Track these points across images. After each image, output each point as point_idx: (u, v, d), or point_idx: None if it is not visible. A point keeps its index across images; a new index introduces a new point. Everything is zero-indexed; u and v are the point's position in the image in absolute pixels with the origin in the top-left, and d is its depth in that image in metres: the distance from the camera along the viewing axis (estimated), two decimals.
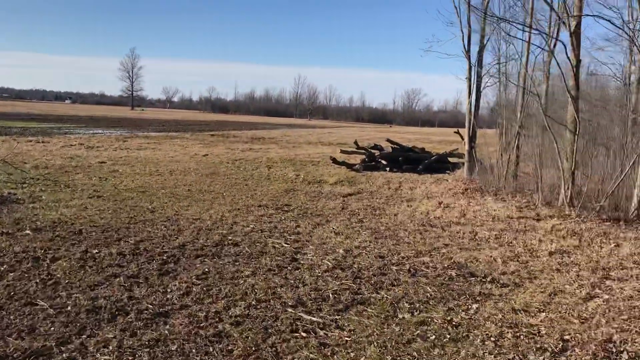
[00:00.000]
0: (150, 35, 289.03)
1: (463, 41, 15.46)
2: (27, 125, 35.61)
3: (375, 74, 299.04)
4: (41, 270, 5.68)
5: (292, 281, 5.86)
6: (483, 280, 6.21)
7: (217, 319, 4.64)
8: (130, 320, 4.51)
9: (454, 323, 4.82)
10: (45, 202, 9.49)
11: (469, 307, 5.28)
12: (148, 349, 4.00)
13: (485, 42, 15.62)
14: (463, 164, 17.35)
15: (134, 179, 13.31)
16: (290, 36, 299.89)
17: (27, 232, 7.26)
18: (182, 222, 8.59)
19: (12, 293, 4.94)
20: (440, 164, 19.46)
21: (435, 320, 4.86)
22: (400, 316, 4.93)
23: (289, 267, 6.41)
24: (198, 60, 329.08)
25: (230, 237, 7.72)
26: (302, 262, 6.70)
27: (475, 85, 15.91)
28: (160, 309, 4.79)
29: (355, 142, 21.01)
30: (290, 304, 5.13)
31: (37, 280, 5.34)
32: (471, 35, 15.48)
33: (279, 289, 5.54)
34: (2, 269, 5.64)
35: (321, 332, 4.49)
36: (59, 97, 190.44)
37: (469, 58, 15.66)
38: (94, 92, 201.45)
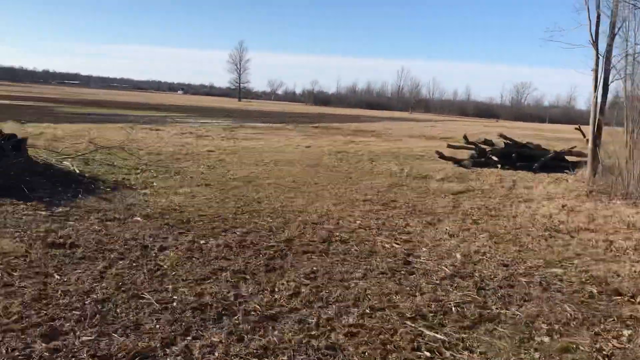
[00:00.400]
0: (257, 28, 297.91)
1: (590, 30, 14.09)
2: (144, 114, 37.54)
3: (481, 67, 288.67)
4: (149, 260, 5.56)
5: (408, 288, 5.32)
6: (631, 300, 5.33)
7: (329, 328, 4.21)
8: (237, 322, 4.19)
9: (604, 353, 4.07)
10: (155, 188, 9.60)
11: (620, 333, 4.48)
12: (256, 359, 3.65)
13: (617, 30, 14.10)
14: (585, 163, 15.89)
15: (241, 168, 13.32)
16: (394, 29, 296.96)
17: (138, 218, 7.26)
18: (288, 214, 8.31)
19: (120, 283, 4.80)
20: (557, 162, 17.98)
21: (582, 348, 4.13)
22: (538, 339, 4.25)
23: (402, 271, 5.88)
24: (302, 54, 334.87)
25: (337, 234, 7.32)
26: (415, 265, 6.15)
27: (602, 78, 14.46)
28: (268, 311, 4.44)
29: (465, 137, 19.93)
30: (408, 315, 4.60)
31: (145, 271, 5.20)
32: (600, 22, 14.08)
33: (394, 297, 5.03)
34: (112, 256, 5.58)
35: (447, 353, 3.92)
36: (172, 88, 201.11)
37: (596, 48, 14.23)
38: (204, 84, 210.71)
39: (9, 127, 14.51)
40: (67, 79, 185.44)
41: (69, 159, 11.37)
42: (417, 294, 5.17)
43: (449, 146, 20.08)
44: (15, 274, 4.78)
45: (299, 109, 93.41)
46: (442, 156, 18.20)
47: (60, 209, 7.31)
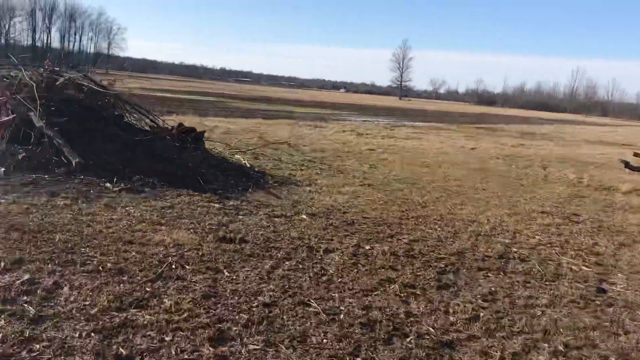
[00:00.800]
0: (422, 27, 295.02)
1: None
2: (308, 111, 38.78)
3: None
4: (314, 263, 5.35)
5: (608, 323, 4.51)
6: None
7: None
8: (409, 345, 3.77)
9: None
10: (319, 186, 9.53)
11: None
12: None
13: None
14: None
15: (403, 169, 12.90)
16: (568, 26, 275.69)
17: (303, 216, 7.17)
18: (457, 223, 7.71)
19: (286, 286, 4.63)
20: None
21: None
22: None
23: (597, 301, 5.04)
24: (467, 52, 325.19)
25: (514, 249, 6.59)
26: (612, 295, 5.26)
27: None
28: (444, 336, 3.96)
29: None
30: (613, 359, 3.85)
31: (311, 275, 4.99)
32: None
33: (591, 333, 4.27)
34: (279, 255, 5.46)
35: None
36: (335, 86, 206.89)
37: None
38: (365, 82, 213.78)
39: (189, 121, 15.58)
40: (241, 76, 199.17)
41: (240, 153, 11.81)
42: (620, 332, 4.36)
43: (636, 154, 17.87)
44: (187, 267, 4.83)
45: (461, 108, 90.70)
46: (627, 165, 16.22)
47: (232, 202, 7.47)
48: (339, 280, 4.94)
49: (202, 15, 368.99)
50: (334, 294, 4.57)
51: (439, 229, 7.29)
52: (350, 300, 4.49)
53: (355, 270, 5.27)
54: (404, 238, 6.61)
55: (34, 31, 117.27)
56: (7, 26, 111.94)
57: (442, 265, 5.68)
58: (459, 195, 10.01)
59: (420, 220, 7.68)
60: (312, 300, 4.37)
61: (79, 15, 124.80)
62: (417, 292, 4.83)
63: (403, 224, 7.33)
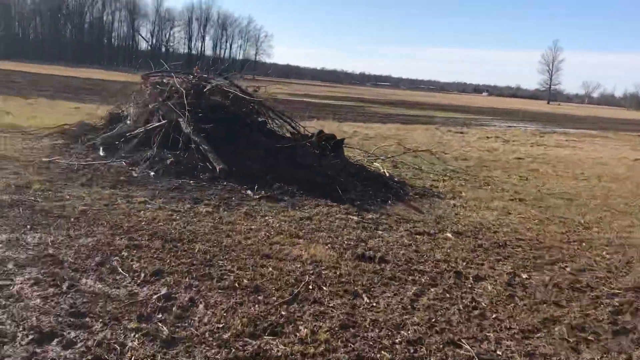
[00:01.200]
0: (573, 26, 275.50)
1: None
2: (448, 116, 37.54)
3: None
4: (464, 292, 4.76)
5: None
6: None
7: None
8: None
9: None
10: (465, 199, 8.83)
11: None
12: None
13: None
14: None
15: (557, 181, 11.70)
16: None
17: (448, 234, 6.58)
18: (628, 249, 6.65)
19: (432, 320, 4.11)
20: None
21: None
22: None
23: None
24: (626, 53, 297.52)
25: None
26: None
27: None
28: None
29: None
30: None
31: (460, 307, 4.42)
32: None
33: None
34: (422, 280, 4.96)
35: None
36: (477, 89, 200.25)
37: None
38: (510, 85, 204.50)
39: (328, 126, 15.52)
40: (380, 80, 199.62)
41: (379, 161, 11.42)
42: None
43: None
44: (325, 288, 4.50)
45: (618, 114, 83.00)
46: None
47: (370, 215, 7.09)
48: (494, 315, 4.32)
49: (346, 21, 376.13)
50: (488, 334, 3.97)
51: (607, 256, 6.31)
52: (509, 343, 3.86)
53: (512, 304, 4.60)
54: (566, 266, 5.77)
55: (189, 40, 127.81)
56: (167, 35, 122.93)
57: (617, 304, 4.82)
58: (627, 215, 8.77)
59: (584, 244, 6.74)
60: (464, 340, 3.81)
61: (230, 24, 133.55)
62: (589, 338, 4.07)
63: (564, 249, 6.45)
